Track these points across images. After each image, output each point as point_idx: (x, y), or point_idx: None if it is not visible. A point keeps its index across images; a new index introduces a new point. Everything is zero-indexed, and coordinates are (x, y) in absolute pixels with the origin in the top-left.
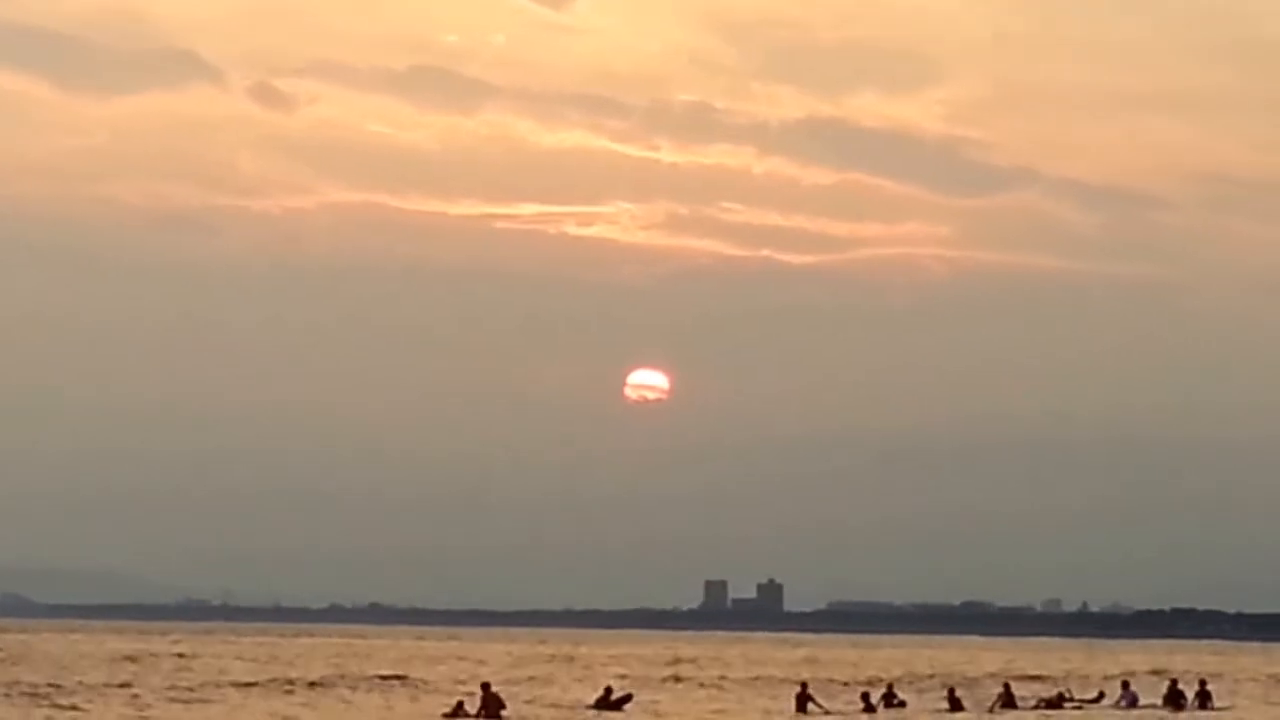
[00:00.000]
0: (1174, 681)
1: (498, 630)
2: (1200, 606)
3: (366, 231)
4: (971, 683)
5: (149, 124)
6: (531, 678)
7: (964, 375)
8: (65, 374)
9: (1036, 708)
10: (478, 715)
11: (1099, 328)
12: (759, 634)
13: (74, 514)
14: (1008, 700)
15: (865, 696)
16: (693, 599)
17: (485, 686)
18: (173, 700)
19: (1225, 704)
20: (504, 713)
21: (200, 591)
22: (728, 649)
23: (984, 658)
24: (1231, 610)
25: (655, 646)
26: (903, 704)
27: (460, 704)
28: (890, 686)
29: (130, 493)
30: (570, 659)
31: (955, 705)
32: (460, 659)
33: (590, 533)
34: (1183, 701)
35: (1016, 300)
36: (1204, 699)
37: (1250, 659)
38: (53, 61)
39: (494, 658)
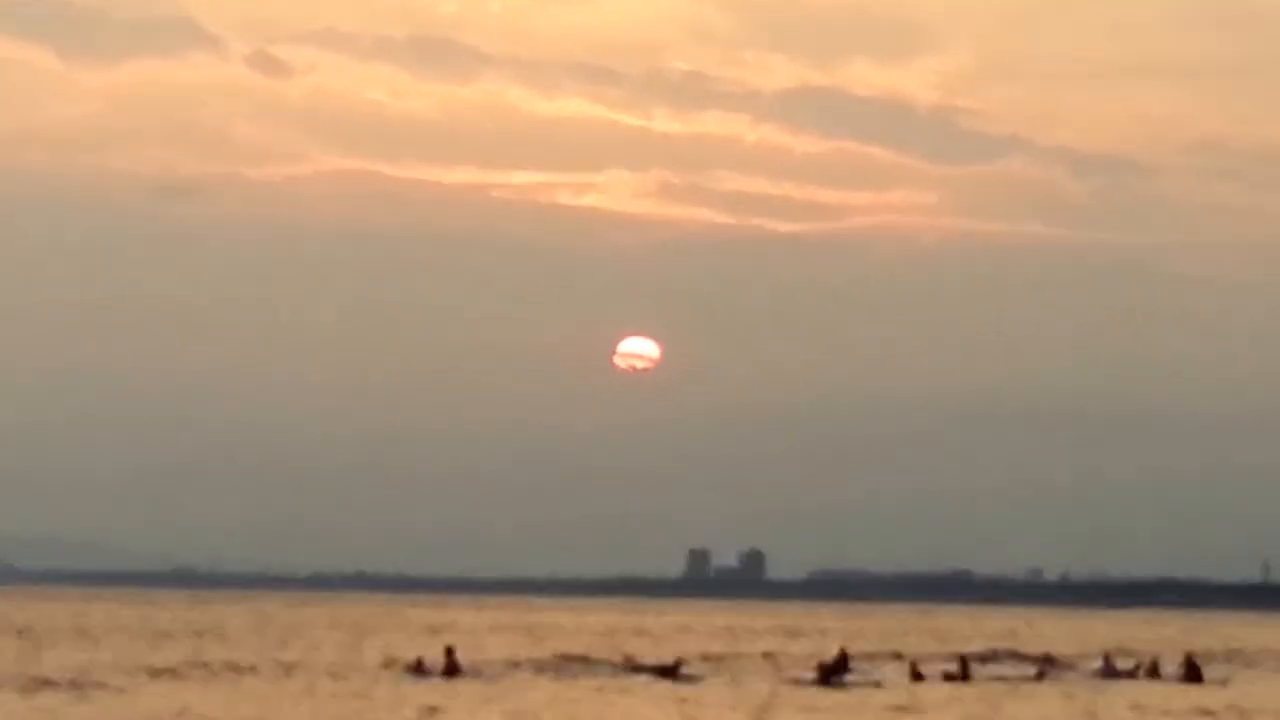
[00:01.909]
0: (1155, 662)
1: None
2: (1182, 576)
3: (362, 199)
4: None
5: (148, 92)
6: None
7: (953, 344)
8: (58, 342)
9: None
10: (441, 674)
11: (1089, 296)
12: (741, 603)
13: (62, 482)
14: (964, 673)
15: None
16: (675, 568)
17: (449, 650)
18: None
19: (1216, 676)
20: (462, 673)
21: (187, 559)
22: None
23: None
24: (1214, 580)
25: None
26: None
27: (420, 660)
28: (843, 651)
29: (118, 461)
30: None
31: (917, 677)
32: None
33: (574, 501)
34: (1194, 675)
35: (1007, 268)
36: (1193, 673)
37: (1235, 629)
38: (53, 30)
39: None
